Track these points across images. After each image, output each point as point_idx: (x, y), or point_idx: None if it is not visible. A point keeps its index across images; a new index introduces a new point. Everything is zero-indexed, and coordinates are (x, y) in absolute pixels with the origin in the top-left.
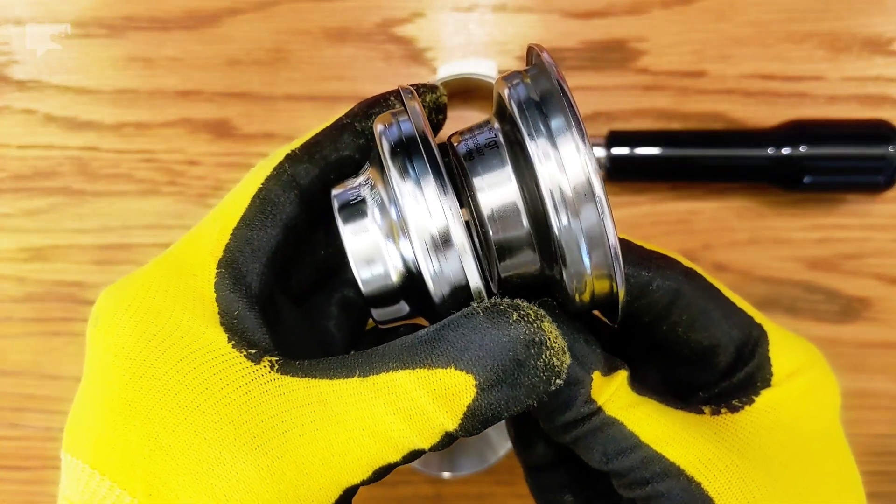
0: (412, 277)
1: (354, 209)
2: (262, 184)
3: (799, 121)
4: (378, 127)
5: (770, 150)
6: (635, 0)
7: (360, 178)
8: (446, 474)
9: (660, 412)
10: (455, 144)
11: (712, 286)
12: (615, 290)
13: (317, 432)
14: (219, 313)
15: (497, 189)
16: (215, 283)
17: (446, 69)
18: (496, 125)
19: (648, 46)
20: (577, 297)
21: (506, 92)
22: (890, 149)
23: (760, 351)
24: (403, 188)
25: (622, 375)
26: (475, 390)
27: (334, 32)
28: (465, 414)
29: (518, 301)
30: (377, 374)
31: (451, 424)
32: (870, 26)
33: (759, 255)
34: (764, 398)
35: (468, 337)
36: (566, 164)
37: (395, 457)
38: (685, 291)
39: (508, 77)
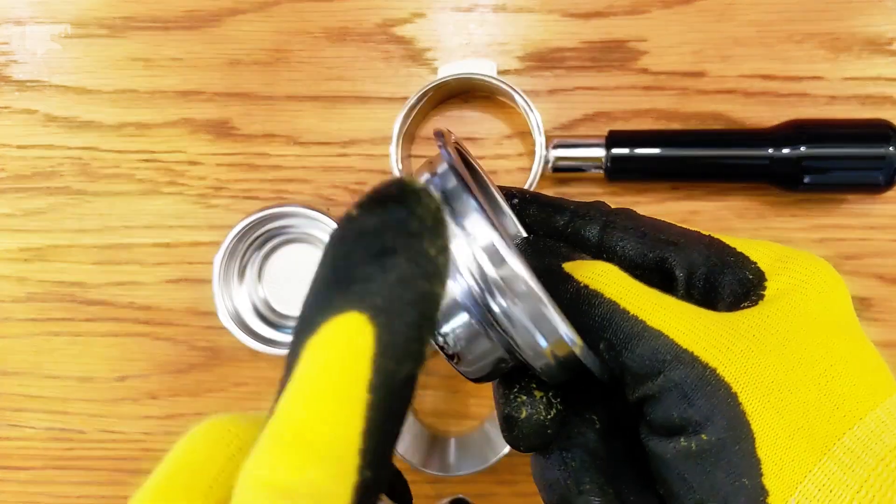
0: None
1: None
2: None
3: (799, 121)
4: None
5: (770, 150)
6: (635, 0)
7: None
8: (447, 474)
9: (663, 299)
10: None
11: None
12: (572, 345)
13: None
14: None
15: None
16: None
17: (446, 69)
18: None
19: (648, 46)
20: (542, 367)
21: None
22: (890, 149)
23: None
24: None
25: (605, 265)
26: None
27: (334, 32)
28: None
29: None
30: None
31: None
32: (870, 26)
33: None
34: (772, 290)
35: None
36: (475, 238)
37: None
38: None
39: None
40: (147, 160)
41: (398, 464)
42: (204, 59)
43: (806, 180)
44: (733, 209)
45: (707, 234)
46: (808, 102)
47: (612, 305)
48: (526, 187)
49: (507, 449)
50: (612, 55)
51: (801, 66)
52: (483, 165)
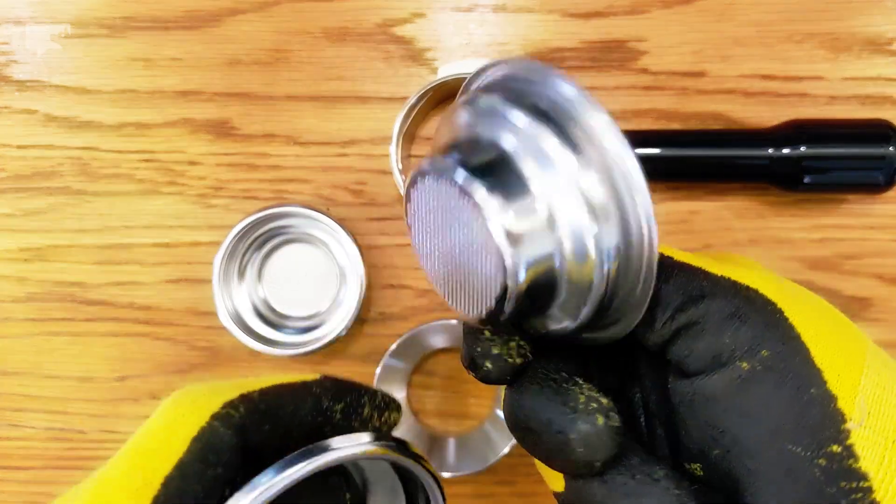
0: None
1: None
2: (206, 423)
3: (799, 121)
4: None
5: (770, 150)
6: (635, 0)
7: None
8: (446, 474)
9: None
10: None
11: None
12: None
13: None
14: None
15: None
16: None
17: (446, 69)
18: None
19: (648, 46)
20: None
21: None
22: (890, 149)
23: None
24: None
25: None
26: None
27: (334, 32)
28: None
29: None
30: None
31: None
32: (870, 26)
33: (759, 256)
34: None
35: None
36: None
37: None
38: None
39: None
40: (147, 160)
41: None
42: (204, 59)
43: (806, 180)
44: (733, 209)
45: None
46: (808, 102)
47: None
48: None
49: (507, 449)
50: (612, 55)
51: (801, 66)
52: None
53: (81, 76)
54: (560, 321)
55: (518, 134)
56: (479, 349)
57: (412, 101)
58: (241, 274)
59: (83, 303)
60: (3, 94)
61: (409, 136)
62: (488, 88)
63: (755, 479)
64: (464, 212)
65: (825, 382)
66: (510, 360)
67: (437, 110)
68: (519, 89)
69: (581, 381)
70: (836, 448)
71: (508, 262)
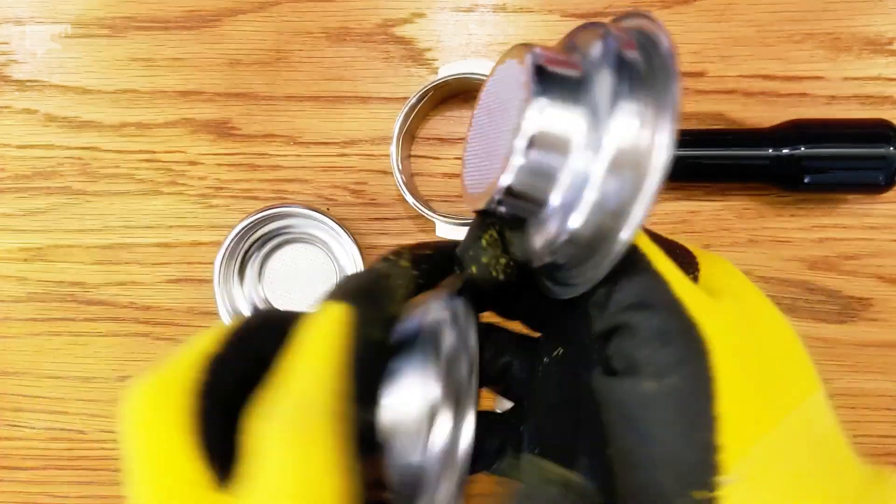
0: None
1: None
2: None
3: (799, 121)
4: None
5: (770, 150)
6: (635, 0)
7: None
8: None
9: (662, 253)
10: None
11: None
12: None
13: None
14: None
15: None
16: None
17: (446, 69)
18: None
19: None
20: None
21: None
22: (890, 149)
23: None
24: None
25: None
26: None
27: (334, 32)
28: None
29: None
30: None
31: None
32: (870, 26)
33: (759, 256)
34: (704, 267)
35: None
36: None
37: None
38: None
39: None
40: (147, 160)
41: None
42: (204, 59)
43: (806, 180)
44: (733, 209)
45: None
46: (808, 102)
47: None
48: None
49: None
50: None
51: (801, 66)
52: None
53: (81, 76)
54: (532, 249)
55: (599, 80)
56: (471, 252)
57: (412, 101)
58: (242, 274)
59: (83, 303)
60: (3, 94)
61: (409, 136)
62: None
63: (623, 493)
64: (515, 100)
65: (717, 432)
66: (494, 272)
67: (437, 110)
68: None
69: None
70: (700, 494)
71: (517, 154)
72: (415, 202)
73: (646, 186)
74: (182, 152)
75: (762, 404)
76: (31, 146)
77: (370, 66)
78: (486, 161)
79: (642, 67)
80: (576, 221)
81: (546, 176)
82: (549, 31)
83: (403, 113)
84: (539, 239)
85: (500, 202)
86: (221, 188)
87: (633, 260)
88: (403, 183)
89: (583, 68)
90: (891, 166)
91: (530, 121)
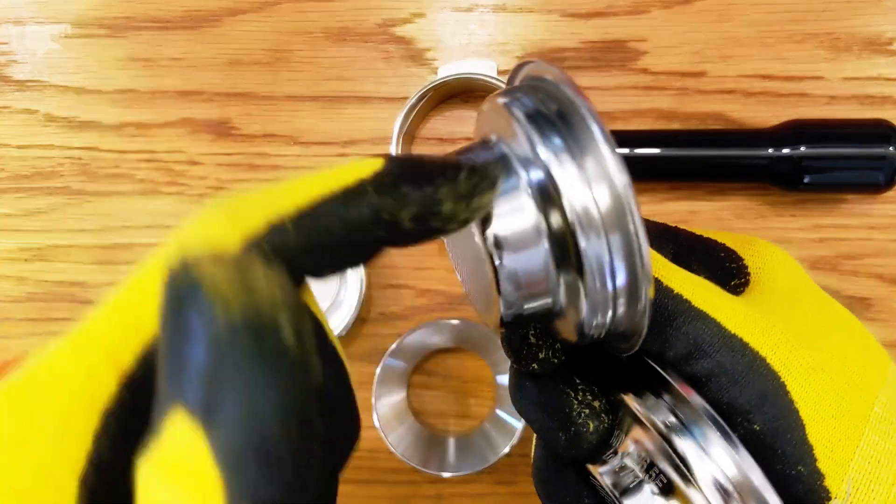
0: None
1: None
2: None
3: (799, 121)
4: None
5: (770, 150)
6: (635, 0)
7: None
8: (446, 474)
9: (700, 280)
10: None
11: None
12: (641, 307)
13: None
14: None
15: (511, 215)
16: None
17: (446, 69)
18: (497, 142)
19: (648, 46)
20: (593, 322)
21: (511, 107)
22: (890, 149)
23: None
24: None
25: None
26: None
27: (334, 32)
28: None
29: None
30: None
31: None
32: (870, 26)
33: None
34: (754, 269)
35: None
36: (591, 177)
37: None
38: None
39: (506, 92)
40: (147, 160)
41: (397, 462)
42: (204, 59)
43: (806, 180)
44: (733, 209)
45: (662, 223)
46: (808, 102)
47: (656, 282)
48: None
49: (506, 449)
50: (612, 55)
51: (801, 66)
52: None
53: (81, 76)
54: (576, 327)
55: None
56: (525, 352)
57: (412, 101)
58: None
59: (83, 303)
60: (3, 94)
61: (409, 136)
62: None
63: None
64: (473, 248)
65: (815, 460)
66: (555, 360)
67: (437, 110)
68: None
69: (577, 382)
70: None
71: (503, 309)
72: None
73: (632, 228)
74: (182, 152)
75: (850, 412)
76: (31, 146)
77: (370, 66)
78: (478, 287)
79: (563, 133)
80: (584, 310)
81: (539, 283)
82: (549, 31)
83: (403, 113)
84: (569, 325)
85: (511, 323)
86: (221, 188)
87: (671, 306)
88: None
89: (521, 179)
90: (891, 166)
91: (503, 278)
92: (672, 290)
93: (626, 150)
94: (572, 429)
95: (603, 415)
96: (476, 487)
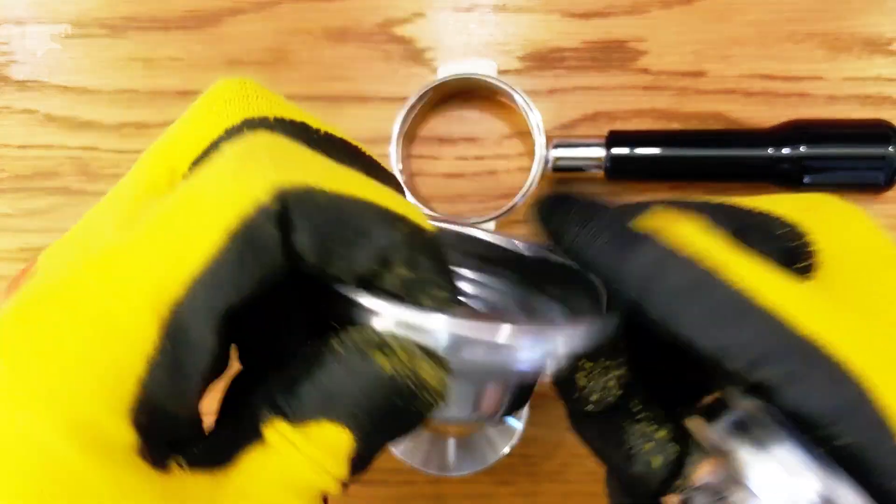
0: None
1: None
2: (248, 216)
3: (799, 121)
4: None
5: (770, 150)
6: (635, 0)
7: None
8: (447, 474)
9: (763, 265)
10: None
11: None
12: None
13: None
14: (138, 402)
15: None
16: (151, 362)
17: (446, 69)
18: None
19: (648, 46)
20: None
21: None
22: (890, 149)
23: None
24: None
25: (690, 218)
26: (354, 441)
27: (334, 32)
28: (351, 462)
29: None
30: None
31: (341, 474)
32: (870, 26)
33: None
34: (822, 246)
35: (335, 381)
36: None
37: None
38: None
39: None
40: None
41: (397, 462)
42: (203, 59)
43: (806, 180)
44: None
45: (718, 200)
46: (808, 102)
47: (708, 276)
48: (526, 187)
49: (507, 449)
50: (612, 55)
51: (801, 66)
52: (482, 168)
53: (81, 76)
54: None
55: None
56: (576, 395)
57: (412, 101)
58: None
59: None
60: (3, 94)
61: (409, 136)
62: None
63: None
64: None
65: None
66: (612, 397)
67: (437, 110)
68: None
69: (639, 413)
70: None
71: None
72: (415, 202)
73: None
74: None
75: None
76: (31, 146)
77: (370, 66)
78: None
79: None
80: None
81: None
82: (549, 31)
83: (403, 113)
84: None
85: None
86: None
87: (732, 305)
88: (403, 183)
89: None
90: (891, 166)
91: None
92: (733, 285)
93: (626, 150)
94: (638, 465)
95: (670, 445)
96: (476, 487)
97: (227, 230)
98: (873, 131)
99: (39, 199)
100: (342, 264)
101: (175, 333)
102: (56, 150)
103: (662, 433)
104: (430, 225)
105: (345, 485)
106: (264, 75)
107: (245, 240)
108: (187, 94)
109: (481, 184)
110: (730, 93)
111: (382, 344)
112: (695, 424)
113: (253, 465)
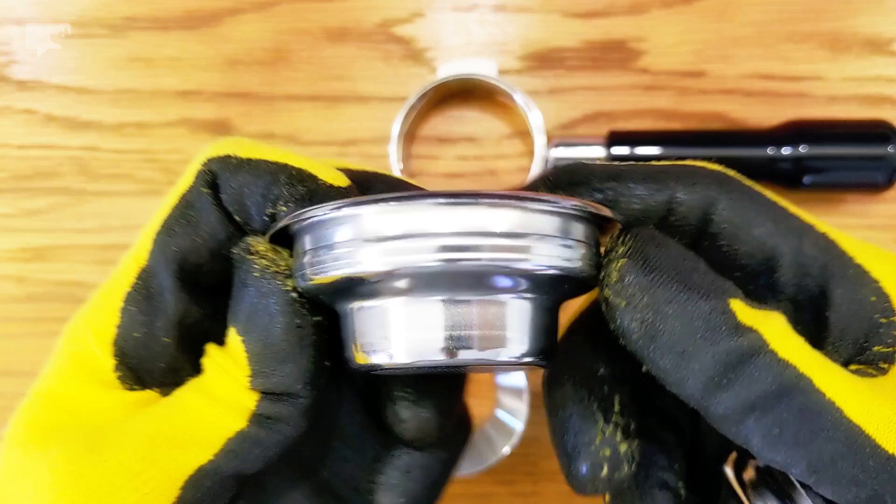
0: None
1: None
2: (190, 182)
3: (799, 121)
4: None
5: (770, 150)
6: (635, 0)
7: None
8: None
9: (844, 374)
10: None
11: (751, 188)
12: None
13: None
14: (118, 330)
15: None
16: (128, 297)
17: (446, 69)
18: None
19: (648, 46)
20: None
21: None
22: (890, 149)
23: (836, 266)
24: None
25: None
26: (239, 337)
27: (334, 32)
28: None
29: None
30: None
31: (240, 375)
32: (870, 26)
33: None
34: None
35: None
36: None
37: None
38: (718, 198)
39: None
40: (147, 160)
41: None
42: (203, 59)
43: (806, 180)
44: None
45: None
46: (808, 102)
47: (801, 380)
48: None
49: (507, 449)
50: (612, 55)
51: (801, 66)
52: (482, 168)
53: (81, 76)
54: None
55: None
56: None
57: (412, 101)
58: None
59: (83, 303)
60: (3, 94)
61: (409, 136)
62: None
63: None
64: None
65: None
66: (620, 476)
67: (437, 110)
68: None
69: (615, 410)
70: None
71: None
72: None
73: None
74: (181, 152)
75: None
76: (31, 146)
77: (370, 66)
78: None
79: None
80: None
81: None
82: (549, 31)
83: (403, 113)
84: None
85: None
86: None
87: (824, 419)
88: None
89: None
90: (891, 166)
91: None
92: (822, 394)
93: (626, 150)
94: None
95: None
96: (476, 487)
97: (180, 195)
98: (873, 131)
99: (39, 199)
100: (258, 217)
101: (145, 275)
102: (56, 150)
103: (625, 447)
104: (344, 182)
105: (266, 417)
106: (264, 75)
107: (186, 199)
108: (187, 94)
109: (481, 184)
110: (730, 93)
111: (256, 251)
112: (728, 473)
113: (191, 383)
